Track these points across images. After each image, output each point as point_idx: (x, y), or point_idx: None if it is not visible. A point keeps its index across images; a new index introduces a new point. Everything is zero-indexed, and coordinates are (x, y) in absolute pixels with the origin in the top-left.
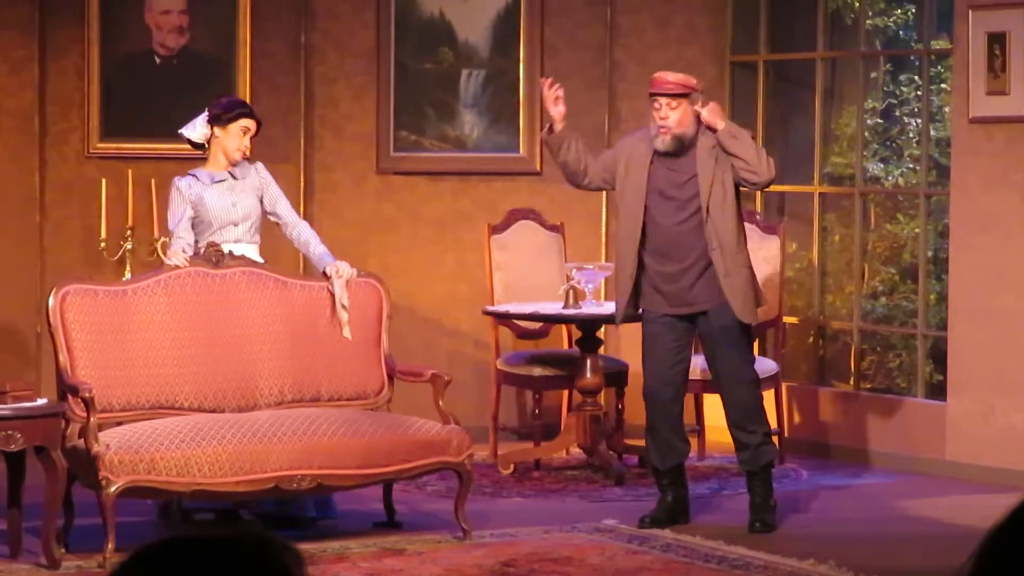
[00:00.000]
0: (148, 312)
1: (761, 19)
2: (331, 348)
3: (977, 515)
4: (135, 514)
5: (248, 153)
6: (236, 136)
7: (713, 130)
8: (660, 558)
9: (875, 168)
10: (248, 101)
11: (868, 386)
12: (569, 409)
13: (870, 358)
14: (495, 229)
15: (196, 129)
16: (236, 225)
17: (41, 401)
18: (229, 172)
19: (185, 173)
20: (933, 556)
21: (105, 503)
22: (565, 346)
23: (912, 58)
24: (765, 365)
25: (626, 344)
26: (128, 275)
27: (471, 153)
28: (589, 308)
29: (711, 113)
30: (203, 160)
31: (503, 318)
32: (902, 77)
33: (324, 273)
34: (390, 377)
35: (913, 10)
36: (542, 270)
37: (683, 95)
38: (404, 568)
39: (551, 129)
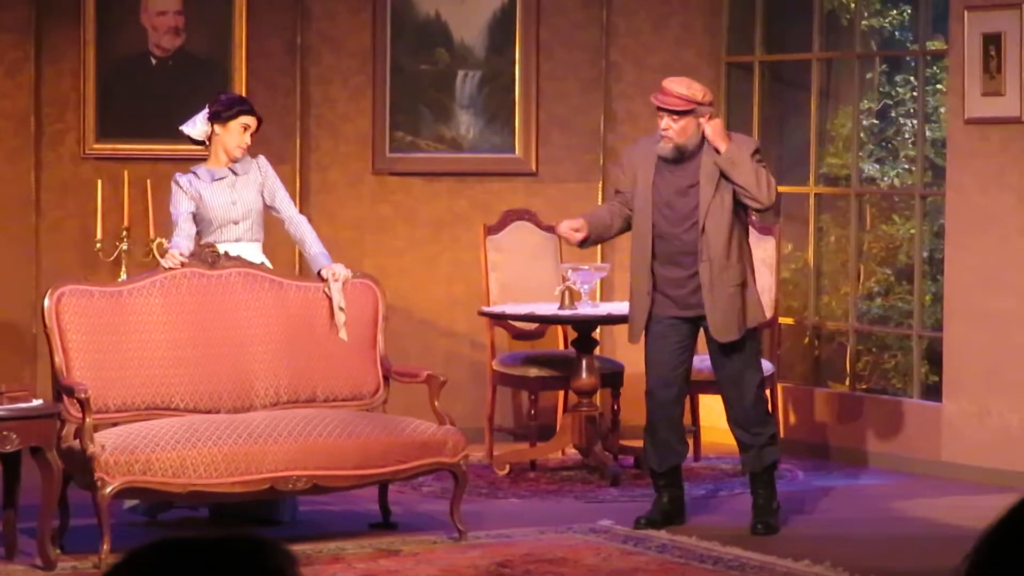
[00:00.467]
0: (144, 313)
1: (757, 20)
2: (327, 349)
3: (973, 516)
4: (130, 515)
5: (246, 150)
6: (236, 133)
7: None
8: (655, 559)
9: (871, 169)
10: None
11: (864, 387)
12: (565, 410)
13: (866, 359)
14: (491, 230)
15: (196, 126)
16: (236, 223)
17: (37, 402)
18: (230, 169)
19: (185, 170)
20: (929, 557)
21: (101, 504)
22: (561, 347)
23: (908, 59)
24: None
25: (622, 345)
26: (124, 276)
27: (467, 154)
28: (585, 309)
29: (714, 133)
30: (203, 157)
31: (499, 319)
32: (898, 78)
33: (319, 275)
34: (386, 378)
35: (909, 11)
36: (538, 271)
37: (687, 113)
38: (399, 569)
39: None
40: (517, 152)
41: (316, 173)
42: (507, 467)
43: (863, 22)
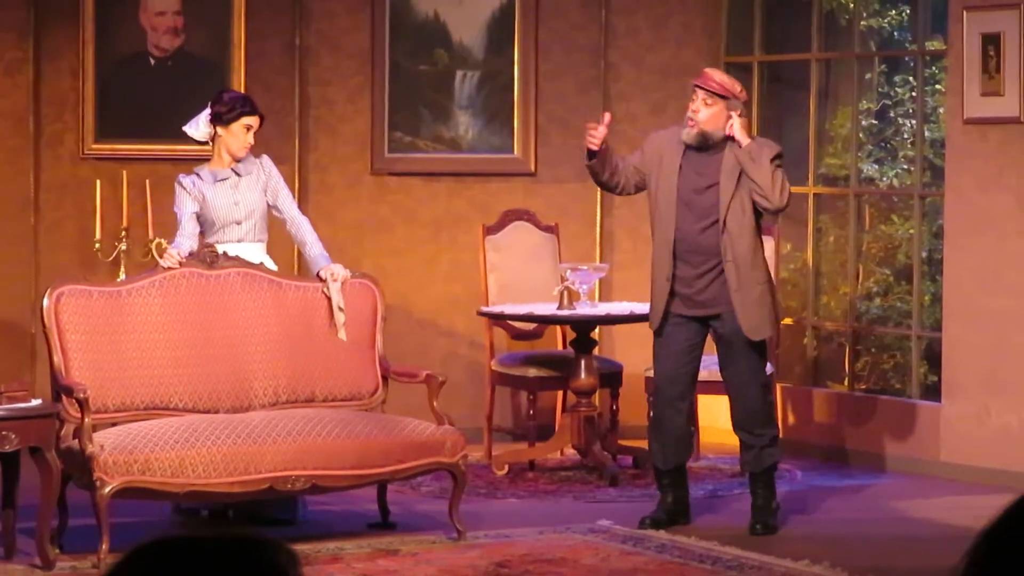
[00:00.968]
0: (143, 313)
1: (756, 20)
2: (325, 349)
3: (971, 515)
4: (129, 515)
5: (249, 150)
6: (239, 135)
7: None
8: (654, 559)
9: (870, 169)
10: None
11: (863, 387)
12: (563, 410)
13: (864, 359)
14: (490, 230)
15: (199, 128)
16: (239, 224)
17: (35, 402)
18: (233, 170)
19: (188, 171)
20: (928, 556)
21: (99, 504)
22: (559, 347)
23: (907, 59)
24: None
25: (621, 345)
26: (123, 276)
27: (466, 154)
28: (583, 309)
29: (739, 128)
30: (201, 158)
31: (498, 319)
32: (897, 78)
33: (318, 276)
34: (384, 378)
35: (907, 11)
36: (537, 271)
37: (721, 96)
38: (398, 569)
39: (591, 154)
40: (516, 152)
41: (315, 173)
42: (506, 467)
43: (862, 22)
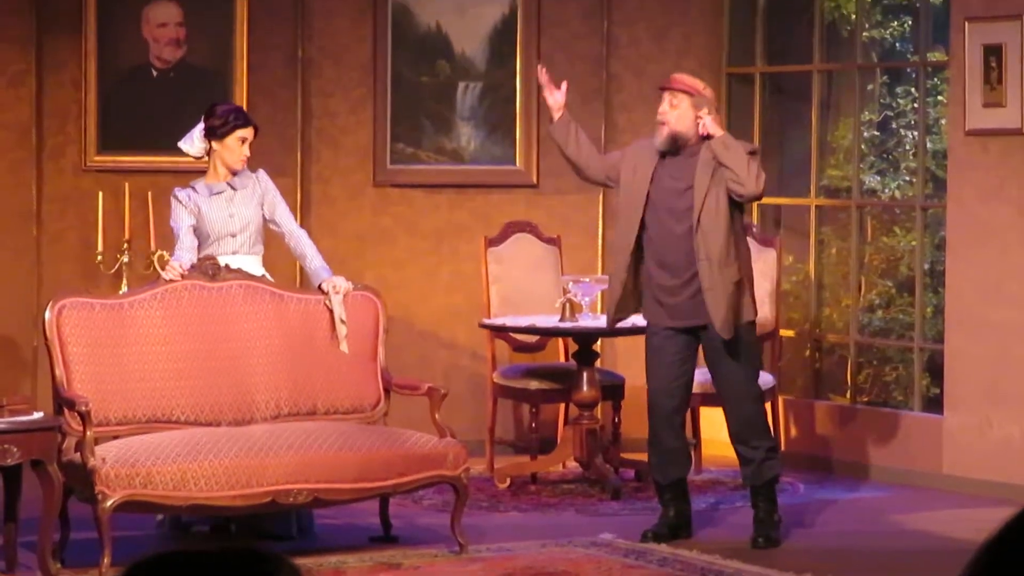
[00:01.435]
0: (145, 325)
1: (757, 31)
2: (327, 361)
3: (973, 528)
4: (131, 528)
5: (247, 161)
6: (234, 148)
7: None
8: (657, 572)
9: (872, 180)
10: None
11: (865, 399)
12: (566, 422)
13: (867, 371)
14: (492, 242)
15: (194, 144)
16: (234, 236)
17: (37, 415)
18: (228, 183)
19: (184, 185)
20: (930, 569)
21: (101, 517)
22: (562, 359)
23: (908, 70)
24: (762, 378)
25: (623, 357)
26: (125, 288)
27: (468, 165)
28: (585, 321)
29: (711, 122)
30: (204, 170)
31: (499, 331)
32: (898, 89)
33: (320, 288)
34: (386, 390)
35: (909, 22)
36: (539, 283)
37: (686, 93)
38: None
39: (551, 119)
40: (518, 164)
41: (317, 185)
42: (508, 480)
43: (864, 33)
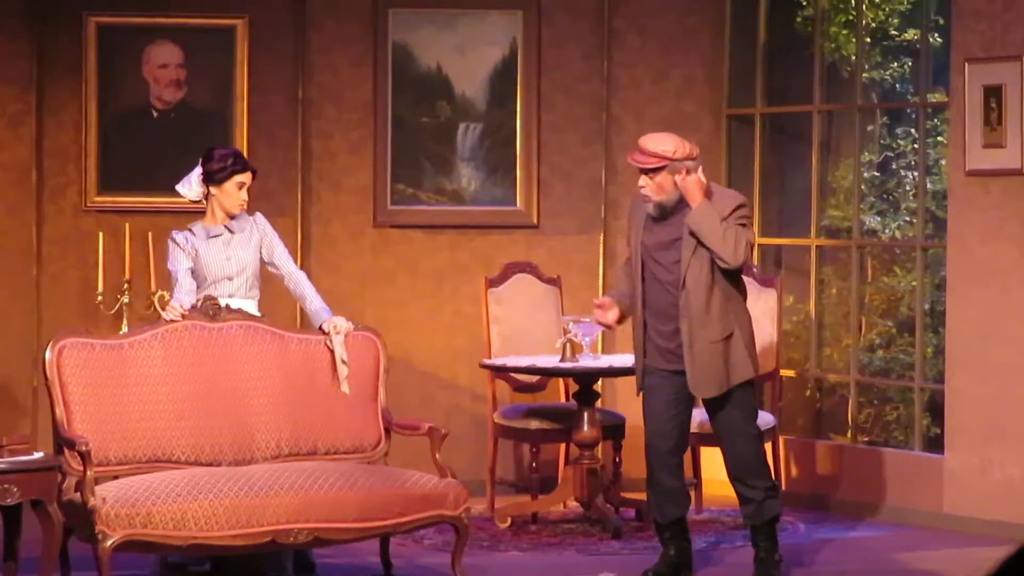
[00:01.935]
0: (145, 366)
1: (757, 72)
2: (328, 401)
3: (975, 568)
4: (131, 568)
5: (246, 206)
6: (232, 193)
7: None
8: None
9: (872, 221)
10: (242, 151)
11: (865, 439)
12: (566, 462)
13: (867, 411)
14: (492, 282)
15: (192, 188)
16: (231, 279)
17: (37, 454)
18: (226, 227)
19: (181, 228)
20: None
21: (101, 557)
22: (562, 399)
23: (909, 111)
24: (762, 418)
25: (623, 397)
26: (125, 328)
27: (468, 206)
28: (586, 361)
29: (686, 191)
30: (202, 213)
31: (500, 371)
32: (899, 130)
33: (321, 329)
34: (387, 430)
35: (909, 63)
36: (539, 323)
37: (659, 168)
38: None
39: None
40: (518, 204)
41: (317, 226)
42: (509, 520)
43: (864, 74)
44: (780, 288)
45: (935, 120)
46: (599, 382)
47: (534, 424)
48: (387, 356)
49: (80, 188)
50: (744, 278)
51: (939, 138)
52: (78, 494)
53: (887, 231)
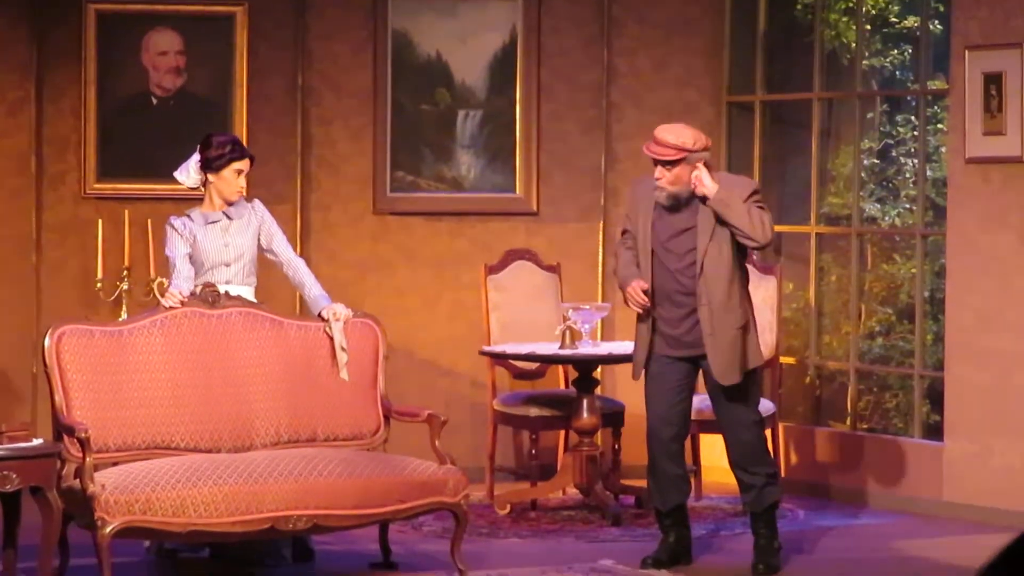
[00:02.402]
0: (144, 352)
1: (758, 60)
2: (327, 388)
3: (974, 555)
4: (131, 555)
5: (245, 192)
6: (230, 180)
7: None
8: None
9: (872, 208)
10: (243, 140)
11: (865, 426)
12: (566, 449)
13: (867, 398)
14: (492, 269)
15: (190, 175)
16: (228, 266)
17: (37, 441)
18: (224, 213)
19: (180, 214)
20: None
21: (101, 544)
22: (562, 386)
23: (909, 98)
24: (762, 405)
25: (623, 384)
26: (124, 315)
27: (468, 194)
28: (585, 348)
29: (699, 183)
30: (200, 200)
31: (500, 358)
32: (899, 117)
33: (320, 316)
34: (386, 417)
35: (909, 51)
36: (539, 310)
37: (678, 161)
38: None
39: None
40: (518, 192)
41: (317, 213)
42: (508, 507)
43: (864, 62)
44: (780, 275)
45: (935, 107)
46: (598, 369)
47: (533, 411)
48: (386, 343)
49: (80, 175)
50: (745, 265)
51: (939, 125)
52: (77, 481)
53: (887, 218)
